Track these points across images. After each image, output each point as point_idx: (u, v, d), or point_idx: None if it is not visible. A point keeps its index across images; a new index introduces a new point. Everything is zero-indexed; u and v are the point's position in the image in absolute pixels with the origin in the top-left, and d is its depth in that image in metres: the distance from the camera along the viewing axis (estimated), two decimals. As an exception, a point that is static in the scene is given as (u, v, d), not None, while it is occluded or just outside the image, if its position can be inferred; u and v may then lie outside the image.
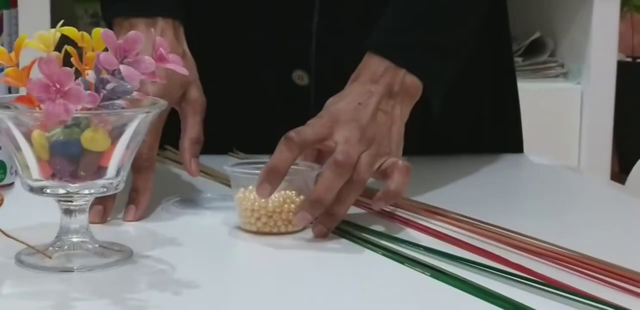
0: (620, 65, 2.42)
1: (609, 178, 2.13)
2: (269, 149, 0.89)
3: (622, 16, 2.65)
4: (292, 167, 0.89)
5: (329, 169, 0.87)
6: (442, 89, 0.99)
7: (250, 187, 0.89)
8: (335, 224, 0.88)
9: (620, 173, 2.76)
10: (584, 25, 2.36)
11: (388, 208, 0.95)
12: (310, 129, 0.90)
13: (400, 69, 0.95)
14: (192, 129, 0.99)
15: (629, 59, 3.39)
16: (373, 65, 0.95)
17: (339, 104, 0.93)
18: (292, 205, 0.88)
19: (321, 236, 0.87)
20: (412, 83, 0.96)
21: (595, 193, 1.16)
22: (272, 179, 0.86)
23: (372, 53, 0.96)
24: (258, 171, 0.88)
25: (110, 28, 0.89)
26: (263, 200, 0.87)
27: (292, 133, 0.89)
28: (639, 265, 0.77)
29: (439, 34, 0.99)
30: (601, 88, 2.36)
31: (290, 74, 1.16)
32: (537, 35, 2.43)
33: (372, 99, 0.93)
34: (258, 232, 0.88)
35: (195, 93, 1.00)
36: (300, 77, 1.15)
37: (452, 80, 1.01)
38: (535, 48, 2.43)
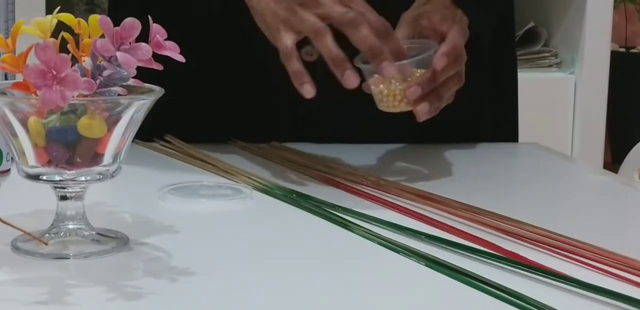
0: (614, 55, 2.42)
1: (601, 167, 2.14)
2: (271, 134, 0.89)
3: (616, 6, 2.66)
4: (420, 41, 0.98)
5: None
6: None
7: (377, 76, 0.99)
8: (438, 106, 1.00)
9: (612, 163, 2.77)
10: (577, 15, 2.36)
11: (383, 194, 0.96)
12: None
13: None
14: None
15: (622, 49, 3.40)
16: None
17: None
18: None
19: (423, 114, 0.98)
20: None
21: (589, 181, 1.16)
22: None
23: None
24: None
25: None
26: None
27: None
28: (634, 251, 0.78)
29: None
30: (594, 78, 2.37)
31: (299, 49, 1.17)
32: (531, 25, 2.43)
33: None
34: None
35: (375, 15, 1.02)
36: (309, 53, 1.16)
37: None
38: (529, 38, 2.43)
